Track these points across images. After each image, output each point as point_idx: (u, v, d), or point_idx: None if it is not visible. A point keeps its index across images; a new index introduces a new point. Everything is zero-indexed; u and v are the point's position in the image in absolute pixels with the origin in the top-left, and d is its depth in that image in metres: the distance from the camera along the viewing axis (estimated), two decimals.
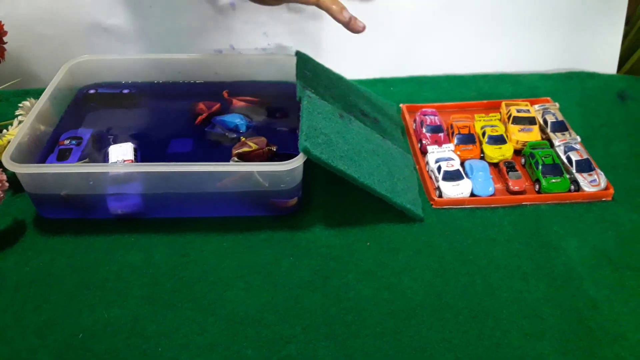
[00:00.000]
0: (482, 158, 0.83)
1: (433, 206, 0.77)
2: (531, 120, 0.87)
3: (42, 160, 0.77)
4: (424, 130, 0.86)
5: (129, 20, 0.97)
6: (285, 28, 1.00)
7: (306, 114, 0.72)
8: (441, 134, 0.85)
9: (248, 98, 0.90)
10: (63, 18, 0.95)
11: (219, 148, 0.82)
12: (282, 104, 0.89)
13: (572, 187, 0.78)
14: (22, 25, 0.95)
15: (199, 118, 0.86)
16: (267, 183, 0.71)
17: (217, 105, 0.88)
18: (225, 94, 0.91)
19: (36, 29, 0.96)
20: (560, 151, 0.82)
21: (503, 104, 0.91)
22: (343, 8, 0.71)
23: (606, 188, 0.77)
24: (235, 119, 0.83)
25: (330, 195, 0.78)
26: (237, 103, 0.89)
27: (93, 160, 0.78)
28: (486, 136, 0.84)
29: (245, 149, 0.77)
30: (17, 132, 0.75)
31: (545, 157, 0.79)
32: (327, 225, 0.74)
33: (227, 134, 0.83)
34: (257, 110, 0.88)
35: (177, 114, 0.89)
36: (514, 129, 0.86)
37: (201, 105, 0.88)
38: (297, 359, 0.59)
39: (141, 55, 0.94)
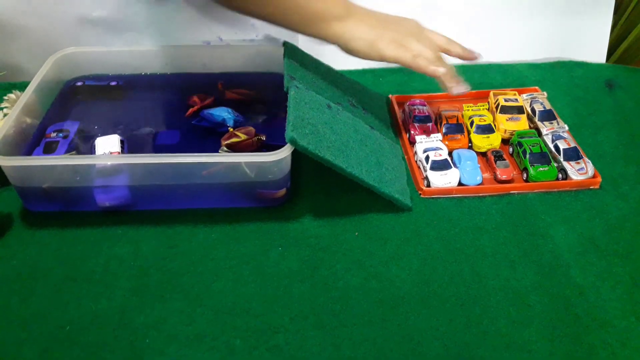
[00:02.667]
0: (470, 147, 0.83)
1: (421, 196, 0.77)
2: (519, 110, 0.87)
3: (29, 153, 0.77)
4: (412, 120, 0.86)
5: (115, 12, 0.96)
6: None
7: (293, 104, 0.72)
8: (429, 124, 0.85)
9: (242, 91, 0.89)
10: (49, 10, 0.94)
11: (207, 140, 0.81)
12: (271, 95, 0.89)
13: (560, 175, 0.78)
14: (6, 17, 0.94)
15: (190, 111, 0.85)
16: (253, 174, 0.71)
17: (211, 99, 0.87)
18: (219, 85, 0.90)
19: (21, 21, 0.95)
20: (548, 140, 0.82)
21: (491, 93, 0.91)
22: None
23: (594, 176, 0.78)
24: (223, 113, 0.83)
25: (319, 186, 0.78)
26: (230, 96, 0.89)
27: (80, 153, 0.78)
28: (474, 126, 0.84)
29: (234, 139, 0.77)
30: (3, 124, 0.74)
31: (533, 146, 0.79)
32: (316, 216, 0.74)
33: (214, 127, 0.82)
34: (248, 103, 0.88)
35: (164, 106, 0.89)
36: (502, 118, 0.86)
37: (195, 98, 0.87)
38: (285, 348, 0.59)
39: (128, 47, 0.93)
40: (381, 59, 0.76)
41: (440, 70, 0.75)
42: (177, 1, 0.96)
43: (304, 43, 0.86)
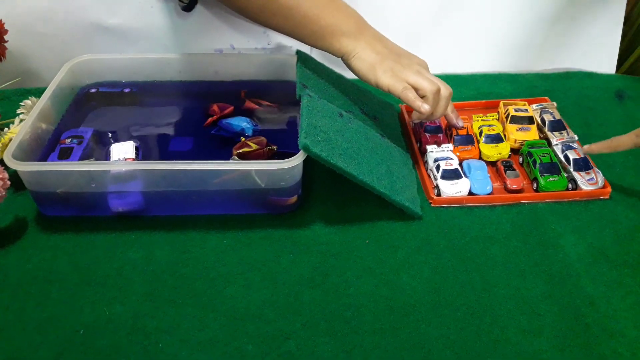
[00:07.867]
0: (480, 158, 0.83)
1: (432, 205, 0.77)
2: (529, 120, 0.87)
3: (44, 158, 0.78)
4: (423, 130, 0.86)
5: (130, 20, 0.97)
6: None
7: (306, 112, 0.72)
8: (440, 135, 0.86)
9: (262, 102, 0.90)
10: (64, 17, 0.96)
11: (219, 147, 0.82)
12: (283, 103, 0.90)
13: (570, 185, 0.78)
14: (23, 24, 0.95)
15: (209, 120, 0.86)
16: (264, 183, 0.71)
17: (230, 109, 0.88)
18: (242, 93, 0.91)
19: (37, 28, 0.96)
20: (558, 150, 0.82)
21: (501, 103, 0.91)
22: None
23: (604, 186, 0.78)
24: (242, 123, 0.84)
25: (330, 194, 0.79)
26: (249, 105, 0.89)
27: (95, 159, 0.79)
28: (483, 135, 0.84)
29: (246, 149, 0.78)
30: (19, 130, 0.75)
31: (543, 156, 0.80)
32: (327, 223, 0.74)
33: (233, 137, 0.83)
34: (266, 112, 0.89)
35: (177, 112, 0.90)
36: (512, 128, 0.86)
37: (214, 107, 0.88)
38: (296, 354, 0.60)
39: (142, 55, 0.94)
40: (376, 85, 0.78)
41: (424, 108, 0.75)
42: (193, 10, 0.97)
43: (317, 52, 0.87)
